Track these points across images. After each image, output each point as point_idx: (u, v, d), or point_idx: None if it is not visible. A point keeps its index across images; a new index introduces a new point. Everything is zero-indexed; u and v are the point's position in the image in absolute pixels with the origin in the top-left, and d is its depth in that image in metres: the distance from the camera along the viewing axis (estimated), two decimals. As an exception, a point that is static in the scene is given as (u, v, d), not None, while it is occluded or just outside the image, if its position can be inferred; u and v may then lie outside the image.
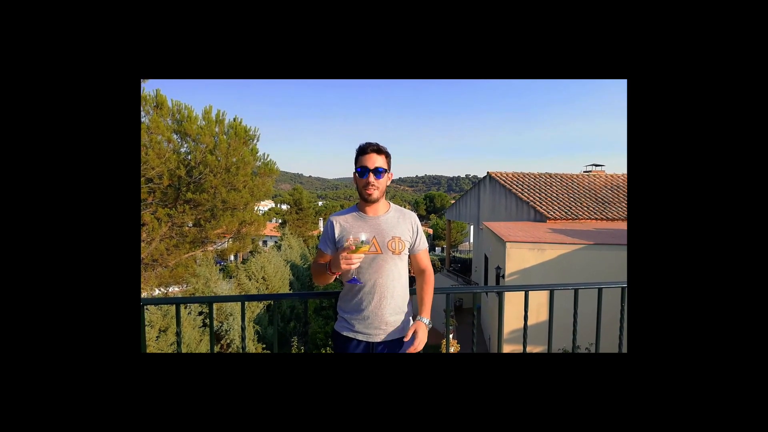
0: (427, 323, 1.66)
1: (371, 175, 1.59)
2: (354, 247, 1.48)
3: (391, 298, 1.61)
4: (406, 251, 1.66)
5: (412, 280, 1.77)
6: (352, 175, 1.67)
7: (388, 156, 1.65)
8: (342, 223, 1.66)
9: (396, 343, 1.63)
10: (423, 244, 1.72)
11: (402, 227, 1.65)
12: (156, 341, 7.72)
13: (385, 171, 1.62)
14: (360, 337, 1.62)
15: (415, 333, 1.59)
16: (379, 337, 1.61)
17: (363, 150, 1.61)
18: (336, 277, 1.63)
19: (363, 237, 1.50)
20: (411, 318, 1.71)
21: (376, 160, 1.59)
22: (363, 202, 1.66)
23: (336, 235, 1.65)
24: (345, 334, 1.65)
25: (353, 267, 1.52)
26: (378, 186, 1.61)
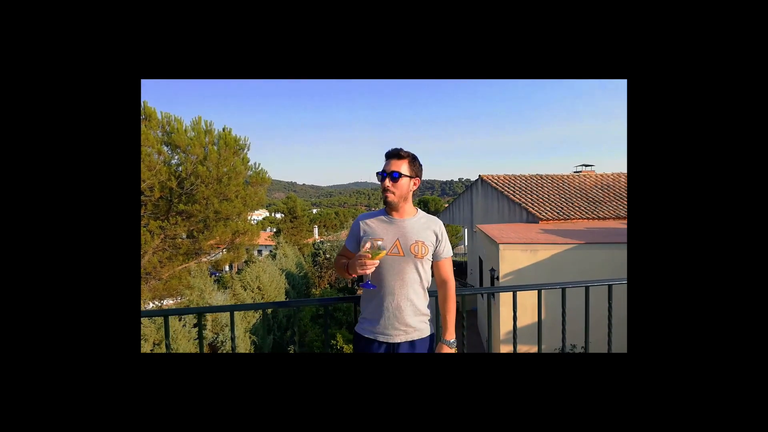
0: (452, 344, 1.69)
1: (387, 179, 1.64)
2: (370, 255, 1.52)
3: (411, 300, 1.63)
4: (429, 256, 1.68)
5: None
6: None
7: (412, 161, 1.68)
8: (368, 224, 1.71)
9: (417, 344, 1.65)
10: (447, 251, 1.73)
11: (426, 232, 1.68)
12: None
13: (405, 175, 1.66)
14: (381, 338, 1.64)
15: None
16: (399, 338, 1.63)
17: (387, 155, 1.69)
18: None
19: (380, 243, 1.55)
20: (431, 323, 1.73)
21: (394, 165, 1.65)
22: (389, 207, 1.71)
23: (361, 235, 1.69)
24: (366, 336, 1.68)
25: (368, 272, 1.56)
26: (394, 190, 1.64)
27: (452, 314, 1.72)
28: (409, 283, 1.63)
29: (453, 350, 1.70)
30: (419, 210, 1.76)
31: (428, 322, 1.71)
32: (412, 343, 1.64)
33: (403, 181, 1.65)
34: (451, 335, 1.70)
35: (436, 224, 1.73)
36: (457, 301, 1.83)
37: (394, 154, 1.67)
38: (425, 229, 1.69)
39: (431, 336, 1.71)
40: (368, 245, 1.53)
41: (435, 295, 1.79)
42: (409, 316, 1.63)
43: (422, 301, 1.67)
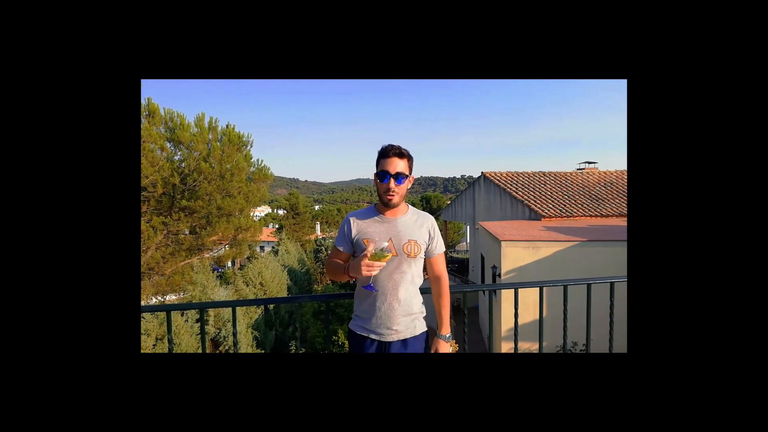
0: (448, 338, 1.70)
1: (392, 180, 1.57)
2: (374, 255, 1.48)
3: (403, 300, 1.62)
4: (422, 255, 1.66)
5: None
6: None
7: (410, 159, 1.62)
8: (359, 223, 1.65)
9: (409, 342, 1.65)
10: (440, 248, 1.71)
11: (420, 231, 1.65)
12: (153, 349, 7.68)
13: (407, 176, 1.60)
14: (373, 336, 1.64)
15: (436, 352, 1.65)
16: (391, 337, 1.63)
17: (385, 153, 1.59)
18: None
19: (385, 245, 1.50)
20: (423, 320, 1.73)
21: (397, 165, 1.57)
22: (382, 205, 1.65)
23: (353, 234, 1.64)
24: (360, 333, 1.67)
25: (373, 274, 1.51)
26: (398, 191, 1.59)
27: (447, 309, 1.72)
28: (402, 283, 1.61)
29: (448, 344, 1.70)
30: (409, 206, 1.72)
31: (421, 320, 1.70)
32: (404, 341, 1.64)
33: (406, 182, 1.61)
34: (446, 330, 1.70)
35: (429, 221, 1.69)
36: (458, 298, 1.84)
37: (396, 153, 1.58)
38: (419, 228, 1.65)
39: (425, 333, 1.70)
40: (371, 247, 1.49)
41: (429, 291, 1.79)
42: (401, 316, 1.62)
43: (415, 301, 1.66)
